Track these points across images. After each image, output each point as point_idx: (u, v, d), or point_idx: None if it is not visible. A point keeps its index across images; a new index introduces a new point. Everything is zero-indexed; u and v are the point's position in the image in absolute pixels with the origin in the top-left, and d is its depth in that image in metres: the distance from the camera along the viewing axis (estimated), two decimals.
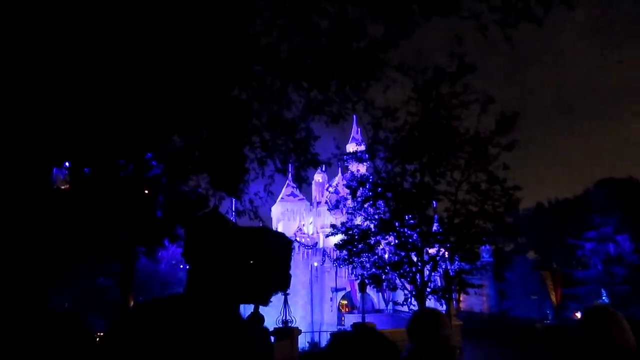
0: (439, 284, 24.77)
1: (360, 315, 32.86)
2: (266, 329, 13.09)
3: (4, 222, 7.73)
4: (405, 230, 22.90)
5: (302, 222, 63.28)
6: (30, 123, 8.13)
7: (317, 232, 61.76)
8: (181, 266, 39.20)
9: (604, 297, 47.55)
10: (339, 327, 49.72)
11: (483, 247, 51.81)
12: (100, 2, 8.09)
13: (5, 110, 7.81)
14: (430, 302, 23.67)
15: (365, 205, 23.88)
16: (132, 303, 15.76)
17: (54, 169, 11.25)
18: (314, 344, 40.92)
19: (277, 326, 20.80)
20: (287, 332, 20.03)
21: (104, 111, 9.15)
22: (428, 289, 22.70)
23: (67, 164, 11.93)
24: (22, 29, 7.46)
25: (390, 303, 51.62)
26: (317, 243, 60.00)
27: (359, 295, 42.89)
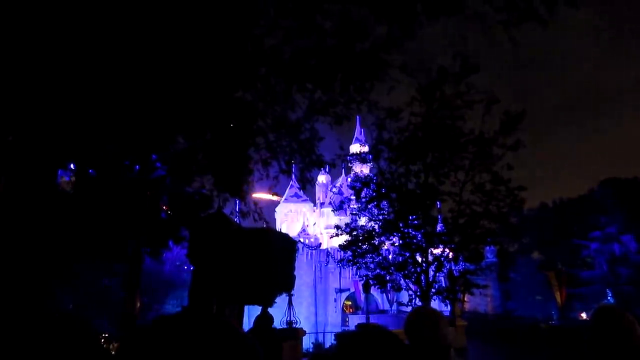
0: (444, 285, 24.74)
1: (365, 316, 32.84)
2: (274, 330, 13.08)
3: (10, 223, 7.78)
4: (410, 230, 22.89)
5: (306, 223, 63.32)
6: (34, 124, 8.17)
7: (321, 233, 61.81)
8: (185, 267, 39.25)
9: (609, 297, 47.35)
10: (343, 328, 49.72)
11: (487, 247, 51.70)
12: (104, 3, 8.13)
13: (9, 111, 7.85)
14: (435, 303, 23.64)
15: (370, 206, 23.89)
16: (138, 305, 15.81)
17: (59, 171, 11.29)
18: (318, 345, 40.93)
19: (281, 327, 20.83)
20: (292, 333, 20.04)
21: (108, 111, 9.19)
22: (433, 290, 22.67)
23: (71, 165, 11.98)
24: (27, 30, 7.50)
25: (395, 304, 51.61)
26: (321, 244, 60.03)
27: (363, 296, 42.89)
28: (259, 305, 12.15)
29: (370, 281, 24.40)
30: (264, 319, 12.14)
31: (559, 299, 58.08)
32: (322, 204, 64.01)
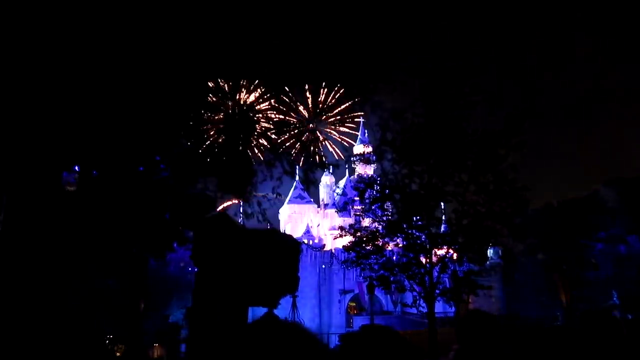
0: (448, 286, 24.67)
1: (369, 317, 32.79)
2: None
3: (16, 224, 7.82)
4: (414, 231, 22.84)
5: (310, 225, 63.32)
6: (40, 126, 8.21)
7: (325, 234, 61.81)
8: (189, 269, 39.30)
9: (614, 299, 47.09)
10: (347, 329, 49.66)
11: (492, 248, 51.50)
12: (109, 10, 8.17)
13: (17, 115, 7.89)
14: (439, 304, 23.58)
15: (373, 207, 23.86)
16: (142, 306, 15.86)
17: (64, 173, 11.33)
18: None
19: None
20: None
21: (111, 112, 9.22)
22: (437, 291, 22.61)
23: (76, 167, 12.02)
24: (40, 42, 7.54)
25: (399, 305, 51.51)
26: (325, 245, 60.03)
27: (367, 297, 42.83)
28: (263, 307, 12.14)
29: (374, 282, 24.37)
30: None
31: (563, 300, 57.79)
32: (326, 205, 64.01)
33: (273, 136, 13.32)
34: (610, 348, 2.65)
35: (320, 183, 65.54)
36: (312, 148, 13.66)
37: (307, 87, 11.83)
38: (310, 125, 13.35)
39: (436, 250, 23.33)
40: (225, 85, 12.54)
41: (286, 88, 12.00)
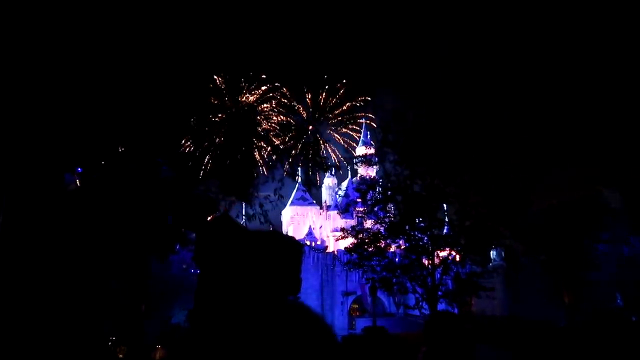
0: (450, 287, 24.63)
1: (371, 319, 32.74)
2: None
3: (16, 227, 7.83)
4: (416, 233, 22.82)
5: (313, 226, 63.32)
6: (40, 128, 8.23)
7: (328, 236, 61.81)
8: (192, 270, 39.30)
9: (618, 301, 46.92)
10: (350, 331, 49.60)
11: (494, 249, 51.41)
12: (111, 13, 8.19)
13: (18, 117, 7.92)
14: (442, 306, 23.54)
15: (375, 209, 23.85)
16: (144, 308, 15.87)
17: (67, 175, 11.35)
18: None
19: None
20: None
21: (115, 115, 9.24)
22: (439, 292, 22.58)
23: (79, 169, 12.05)
24: (43, 44, 7.57)
25: (402, 307, 51.46)
26: (327, 247, 60.01)
27: (369, 299, 42.77)
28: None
29: (377, 284, 24.35)
30: None
31: (566, 301, 57.62)
32: (328, 207, 64.01)
33: (274, 138, 13.33)
34: (621, 348, 2.66)
35: (323, 185, 65.57)
36: (313, 149, 13.66)
37: (307, 88, 11.86)
38: (311, 127, 13.36)
39: (438, 251, 23.30)
40: (226, 88, 12.60)
41: (287, 92, 12.01)
